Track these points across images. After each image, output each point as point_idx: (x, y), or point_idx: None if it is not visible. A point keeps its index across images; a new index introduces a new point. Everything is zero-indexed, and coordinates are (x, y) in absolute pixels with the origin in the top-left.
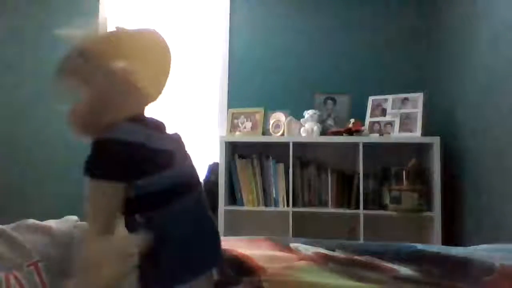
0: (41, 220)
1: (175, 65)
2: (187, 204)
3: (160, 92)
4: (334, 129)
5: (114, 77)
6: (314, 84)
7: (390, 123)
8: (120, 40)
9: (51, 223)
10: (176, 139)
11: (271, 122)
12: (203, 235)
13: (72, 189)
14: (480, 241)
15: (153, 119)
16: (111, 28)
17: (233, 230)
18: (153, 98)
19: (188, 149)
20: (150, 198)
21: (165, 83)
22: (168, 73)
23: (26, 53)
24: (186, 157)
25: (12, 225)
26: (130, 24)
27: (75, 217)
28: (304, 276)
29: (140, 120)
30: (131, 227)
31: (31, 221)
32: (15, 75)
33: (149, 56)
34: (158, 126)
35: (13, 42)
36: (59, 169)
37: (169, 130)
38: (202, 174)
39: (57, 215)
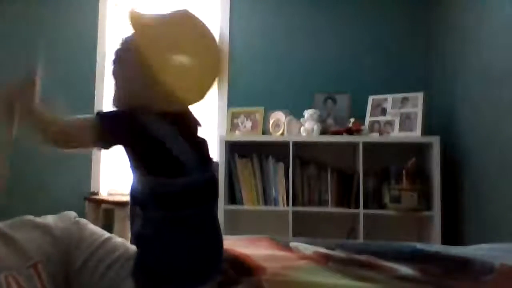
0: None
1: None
2: (197, 215)
3: (201, 95)
4: (334, 128)
5: (147, 74)
6: (314, 83)
7: (390, 123)
8: (155, 29)
9: (49, 219)
10: (201, 145)
11: (271, 121)
12: (206, 249)
13: (72, 189)
14: (480, 241)
15: (191, 121)
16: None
17: (233, 229)
18: (190, 101)
19: (213, 156)
20: (162, 198)
21: (210, 83)
22: (216, 69)
23: (26, 53)
24: (205, 166)
25: (8, 222)
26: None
27: (73, 213)
28: (304, 275)
29: (174, 119)
30: (131, 214)
31: (28, 218)
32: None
33: (188, 46)
34: (189, 131)
35: (13, 42)
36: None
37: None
38: None
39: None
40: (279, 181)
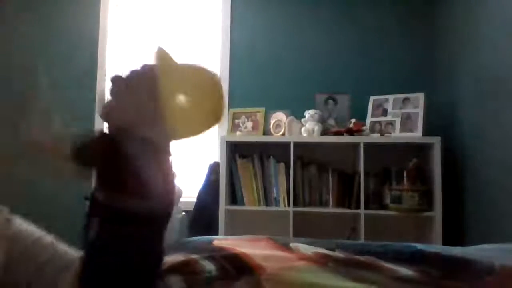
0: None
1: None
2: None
3: (195, 134)
4: (335, 129)
5: (152, 98)
6: (315, 84)
7: (391, 123)
8: (173, 70)
9: None
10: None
11: (272, 122)
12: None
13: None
14: (480, 241)
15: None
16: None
17: (234, 229)
18: (185, 135)
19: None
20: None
21: (204, 127)
22: (213, 119)
23: (26, 54)
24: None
25: None
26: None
27: (5, 209)
28: (304, 276)
29: (159, 147)
30: (88, 222)
31: None
32: (16, 75)
33: (196, 93)
34: (165, 163)
35: (13, 43)
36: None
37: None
38: (202, 174)
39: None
40: (280, 182)
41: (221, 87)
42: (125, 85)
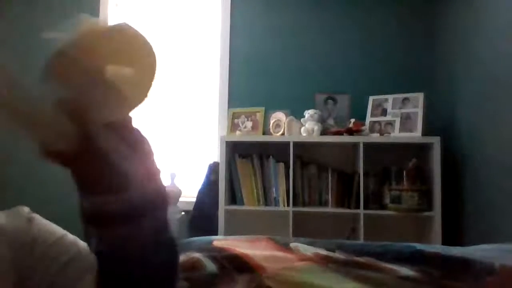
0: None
1: (171, 66)
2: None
3: (145, 95)
4: (334, 128)
5: (94, 77)
6: (315, 83)
7: (391, 123)
8: (97, 38)
9: (0, 217)
10: (147, 157)
11: (272, 121)
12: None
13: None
14: (480, 241)
15: (137, 130)
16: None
17: (233, 229)
18: (138, 101)
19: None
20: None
21: (150, 84)
22: (153, 72)
23: (24, 54)
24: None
25: None
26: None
27: (26, 208)
28: (304, 276)
29: (122, 127)
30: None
31: None
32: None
33: (127, 55)
34: (137, 140)
35: (11, 43)
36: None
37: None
38: (202, 174)
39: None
40: (280, 182)
41: (146, 41)
42: (57, 67)
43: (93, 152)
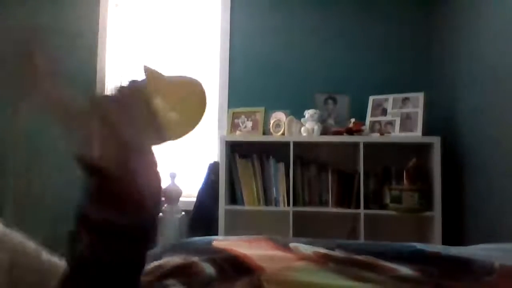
0: None
1: (171, 66)
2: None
3: (179, 137)
4: (334, 128)
5: (147, 111)
6: (315, 83)
7: (391, 123)
8: (165, 85)
9: None
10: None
11: (272, 121)
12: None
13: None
14: (480, 241)
15: (153, 154)
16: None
17: (233, 229)
18: (173, 139)
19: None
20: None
21: (186, 132)
22: (194, 125)
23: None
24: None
25: None
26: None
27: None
28: (303, 276)
29: (149, 153)
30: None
31: None
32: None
33: (185, 104)
34: (153, 163)
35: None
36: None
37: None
38: (202, 174)
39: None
40: (280, 181)
41: (205, 95)
42: (117, 104)
43: (130, 172)
